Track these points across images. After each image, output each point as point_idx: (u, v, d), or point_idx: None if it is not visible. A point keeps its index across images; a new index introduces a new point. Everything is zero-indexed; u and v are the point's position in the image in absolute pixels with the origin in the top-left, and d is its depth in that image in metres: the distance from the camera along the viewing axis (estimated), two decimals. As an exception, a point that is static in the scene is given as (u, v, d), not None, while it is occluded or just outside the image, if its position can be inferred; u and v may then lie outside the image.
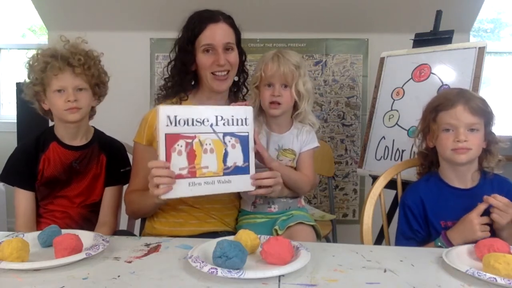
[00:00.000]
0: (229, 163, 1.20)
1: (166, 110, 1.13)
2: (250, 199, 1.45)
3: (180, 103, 1.45)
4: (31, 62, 1.38)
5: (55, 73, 1.34)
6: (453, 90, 1.32)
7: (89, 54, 1.41)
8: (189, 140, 1.15)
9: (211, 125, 1.18)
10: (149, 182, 1.13)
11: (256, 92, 1.43)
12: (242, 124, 1.22)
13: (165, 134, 1.12)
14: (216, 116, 1.18)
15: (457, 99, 1.25)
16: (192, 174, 1.15)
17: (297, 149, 1.45)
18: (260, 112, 1.45)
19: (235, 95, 1.55)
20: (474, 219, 1.17)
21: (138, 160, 1.46)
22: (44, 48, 1.40)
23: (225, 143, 1.20)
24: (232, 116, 1.21)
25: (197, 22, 1.40)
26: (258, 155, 1.27)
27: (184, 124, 1.14)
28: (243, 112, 1.23)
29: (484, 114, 1.25)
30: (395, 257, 1.03)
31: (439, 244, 1.21)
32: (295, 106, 1.43)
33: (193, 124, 1.15)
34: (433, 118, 1.29)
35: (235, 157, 1.21)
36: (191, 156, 1.15)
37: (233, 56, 1.43)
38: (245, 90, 1.56)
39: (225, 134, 1.20)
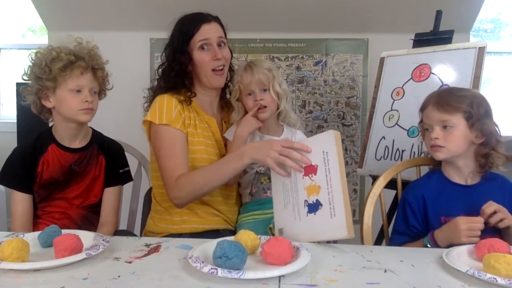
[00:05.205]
0: None
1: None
2: (247, 188, 1.49)
3: (189, 101, 1.47)
4: (50, 58, 1.35)
5: (79, 72, 1.36)
6: (437, 90, 1.34)
7: (102, 61, 1.45)
8: None
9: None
10: None
11: (238, 104, 1.51)
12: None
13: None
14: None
15: (430, 98, 1.31)
16: None
17: None
18: None
19: (222, 91, 1.62)
20: (461, 224, 1.16)
21: (167, 141, 1.41)
22: (63, 46, 1.39)
23: None
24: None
25: (191, 23, 1.47)
26: None
27: None
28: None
29: (459, 109, 1.24)
30: (395, 257, 1.03)
31: (426, 243, 1.22)
32: (277, 106, 1.51)
33: None
34: (421, 119, 1.35)
35: None
36: None
37: (227, 52, 1.51)
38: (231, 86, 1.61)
39: None
